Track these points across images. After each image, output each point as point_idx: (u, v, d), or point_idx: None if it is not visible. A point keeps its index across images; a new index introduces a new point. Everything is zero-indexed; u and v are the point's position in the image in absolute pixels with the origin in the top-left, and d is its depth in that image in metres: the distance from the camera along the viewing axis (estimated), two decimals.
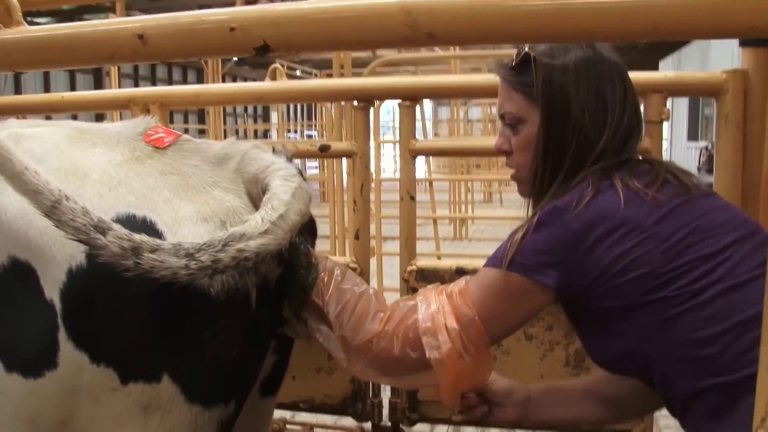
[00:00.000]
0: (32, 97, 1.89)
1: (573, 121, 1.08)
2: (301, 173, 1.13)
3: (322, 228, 1.72)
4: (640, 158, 1.14)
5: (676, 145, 9.62)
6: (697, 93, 2.74)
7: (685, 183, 1.05)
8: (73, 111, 2.10)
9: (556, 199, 1.07)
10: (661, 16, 0.58)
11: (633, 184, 1.03)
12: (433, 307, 1.06)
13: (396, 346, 1.07)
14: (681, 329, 0.96)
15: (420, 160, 1.83)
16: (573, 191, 1.06)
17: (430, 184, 6.40)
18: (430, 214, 6.35)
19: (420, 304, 1.08)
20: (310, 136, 15.00)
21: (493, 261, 1.07)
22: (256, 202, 1.09)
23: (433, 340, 1.04)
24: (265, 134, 13.01)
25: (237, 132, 11.26)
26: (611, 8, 0.59)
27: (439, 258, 4.80)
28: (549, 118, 1.10)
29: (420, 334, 1.05)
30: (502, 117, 1.19)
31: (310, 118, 17.19)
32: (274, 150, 1.13)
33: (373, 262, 3.64)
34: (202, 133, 10.92)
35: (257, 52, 0.64)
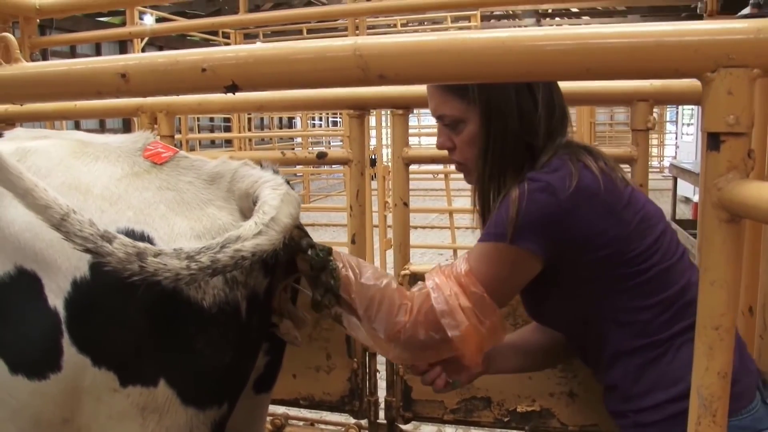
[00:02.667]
0: (46, 105, 1.98)
1: (511, 114, 1.16)
2: (288, 182, 1.19)
3: None
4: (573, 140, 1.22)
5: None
6: (682, 101, 2.76)
7: (621, 175, 1.16)
8: (84, 118, 2.18)
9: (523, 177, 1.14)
10: (592, 59, 0.62)
11: (601, 165, 1.12)
12: (446, 291, 1.13)
13: (420, 332, 1.15)
14: (626, 298, 1.13)
15: None
16: (552, 167, 1.13)
17: (446, 176, 6.47)
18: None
19: (432, 291, 1.15)
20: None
21: (492, 236, 1.14)
22: (247, 217, 1.15)
23: (451, 321, 1.13)
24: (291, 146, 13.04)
25: (263, 140, 11.23)
26: (549, 51, 0.63)
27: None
28: (489, 117, 1.17)
29: (438, 318, 1.13)
30: (439, 118, 1.24)
31: (335, 125, 17.03)
32: (261, 165, 1.19)
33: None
34: (228, 143, 10.88)
35: (227, 90, 0.69)
